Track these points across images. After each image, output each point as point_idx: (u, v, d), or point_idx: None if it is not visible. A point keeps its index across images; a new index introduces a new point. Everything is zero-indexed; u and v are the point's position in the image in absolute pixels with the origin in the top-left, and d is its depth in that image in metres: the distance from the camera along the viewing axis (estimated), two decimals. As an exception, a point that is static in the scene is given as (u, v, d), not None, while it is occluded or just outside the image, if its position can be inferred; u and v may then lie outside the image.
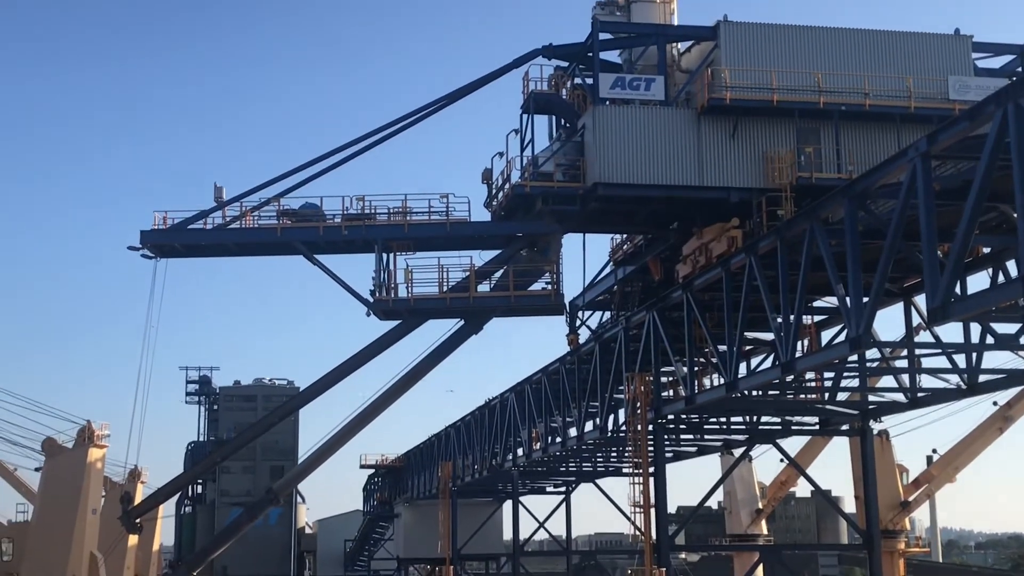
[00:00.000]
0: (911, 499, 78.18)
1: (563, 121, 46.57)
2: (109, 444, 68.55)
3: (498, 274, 47.18)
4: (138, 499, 66.20)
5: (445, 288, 46.56)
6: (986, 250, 37.07)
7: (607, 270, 53.73)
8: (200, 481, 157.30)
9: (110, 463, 73.81)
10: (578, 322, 54.06)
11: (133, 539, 75.78)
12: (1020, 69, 45.51)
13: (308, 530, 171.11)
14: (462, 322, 48.25)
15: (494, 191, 47.41)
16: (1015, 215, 25.83)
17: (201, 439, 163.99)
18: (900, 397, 44.64)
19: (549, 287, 46.69)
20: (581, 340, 52.90)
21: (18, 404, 67.75)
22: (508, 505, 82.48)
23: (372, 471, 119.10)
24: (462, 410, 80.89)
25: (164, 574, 70.01)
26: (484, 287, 47.10)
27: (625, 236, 51.87)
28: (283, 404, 64.47)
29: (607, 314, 54.74)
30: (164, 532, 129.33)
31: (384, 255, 46.56)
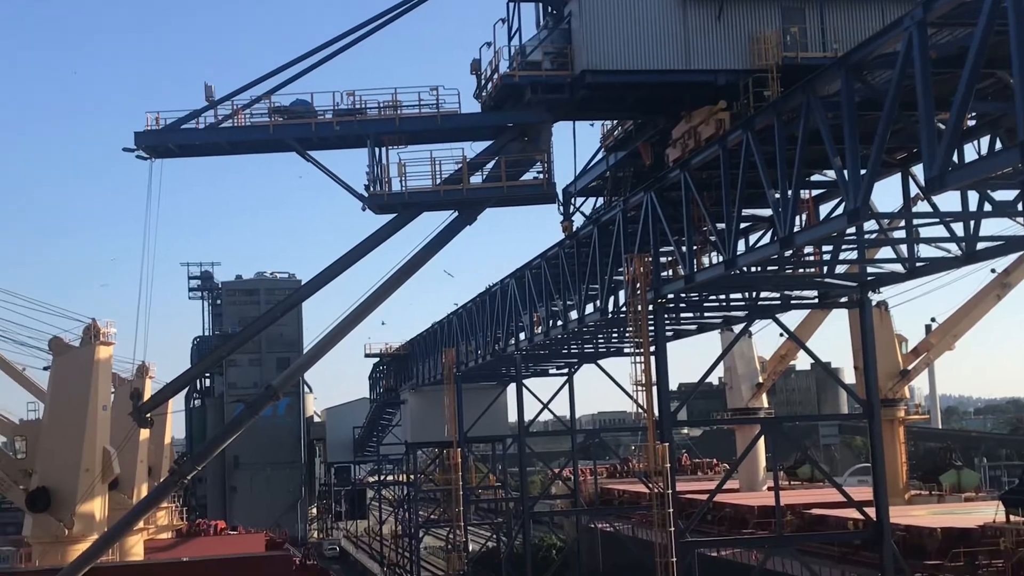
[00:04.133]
0: (910, 368, 79.29)
1: (550, 8, 45.88)
2: (116, 341, 68.85)
3: (490, 165, 46.93)
4: (147, 394, 66.77)
5: (438, 181, 46.41)
6: (971, 123, 36.73)
7: (598, 157, 53.49)
8: (208, 375, 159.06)
9: (118, 360, 74.36)
10: (571, 209, 54.05)
11: (145, 433, 76.74)
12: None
13: (316, 419, 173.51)
14: (456, 214, 48.22)
15: (483, 82, 46.92)
16: (1012, 80, 25.52)
17: (206, 334, 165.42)
18: (898, 268, 44.54)
19: (541, 176, 46.46)
20: (575, 227, 52.97)
21: (23, 304, 67.46)
22: (512, 388, 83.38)
23: (377, 359, 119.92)
24: (463, 298, 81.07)
25: (172, 468, 71.05)
26: (476, 178, 46.92)
27: (615, 122, 51.53)
28: (286, 297, 64.42)
29: (600, 200, 54.67)
30: (176, 426, 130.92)
31: (376, 149, 46.27)
